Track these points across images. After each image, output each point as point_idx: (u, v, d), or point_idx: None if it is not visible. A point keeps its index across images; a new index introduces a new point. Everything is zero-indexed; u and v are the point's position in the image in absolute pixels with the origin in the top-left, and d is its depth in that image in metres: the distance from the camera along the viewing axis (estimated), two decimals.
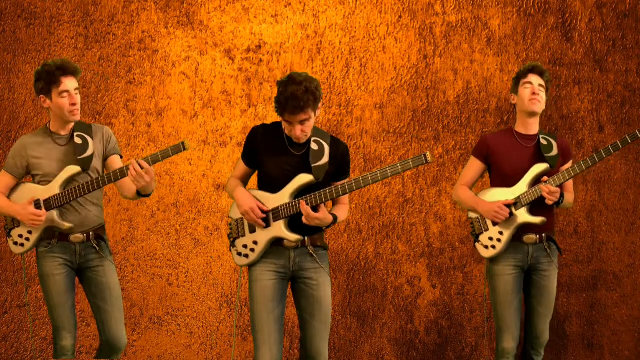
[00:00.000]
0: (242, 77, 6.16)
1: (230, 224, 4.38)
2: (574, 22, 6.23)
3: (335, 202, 4.44)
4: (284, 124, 4.26)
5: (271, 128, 4.36)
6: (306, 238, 4.32)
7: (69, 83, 4.49)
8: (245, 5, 6.17)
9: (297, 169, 4.28)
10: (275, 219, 4.27)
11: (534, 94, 4.72)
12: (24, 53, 6.07)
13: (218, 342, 6.13)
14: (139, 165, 4.29)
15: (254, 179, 4.54)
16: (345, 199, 4.44)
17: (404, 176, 6.20)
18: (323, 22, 6.19)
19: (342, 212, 4.41)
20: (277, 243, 4.31)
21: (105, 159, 4.64)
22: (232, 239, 4.38)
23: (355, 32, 6.21)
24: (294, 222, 4.29)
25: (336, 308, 6.17)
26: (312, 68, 6.18)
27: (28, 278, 6.06)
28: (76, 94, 4.52)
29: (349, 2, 6.20)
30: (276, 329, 4.26)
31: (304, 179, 4.27)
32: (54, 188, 4.52)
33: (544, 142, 4.76)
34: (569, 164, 4.84)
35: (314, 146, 4.30)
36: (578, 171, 4.67)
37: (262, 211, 4.28)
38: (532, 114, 4.77)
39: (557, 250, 4.82)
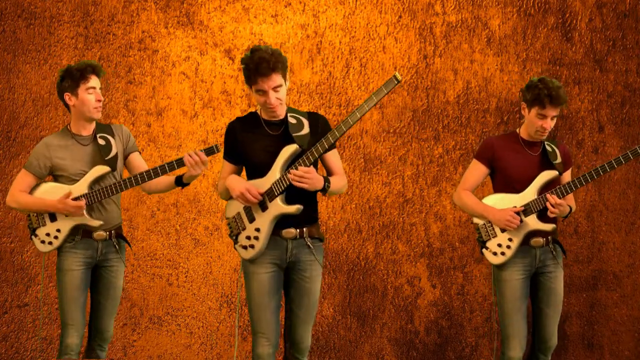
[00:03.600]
0: (242, 77, 6.16)
1: (229, 224, 4.37)
2: (574, 22, 6.23)
3: (330, 172, 4.39)
4: (257, 100, 4.23)
5: (246, 118, 4.36)
6: (304, 229, 4.31)
7: (96, 81, 4.64)
8: (245, 5, 6.17)
9: (279, 147, 4.25)
10: (272, 199, 4.25)
11: (544, 127, 4.62)
12: (24, 53, 6.07)
13: (218, 342, 6.13)
14: (197, 155, 4.48)
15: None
16: (339, 169, 4.39)
17: (404, 176, 6.20)
18: (323, 22, 6.19)
19: (337, 180, 4.34)
20: (274, 234, 4.29)
21: (125, 157, 4.78)
22: (234, 237, 4.36)
23: (355, 32, 6.21)
24: (290, 197, 4.25)
25: (336, 308, 6.17)
26: (312, 68, 6.18)
27: (28, 278, 6.07)
28: (100, 92, 4.66)
29: (349, 2, 6.20)
30: (274, 321, 4.30)
31: (289, 150, 4.24)
32: (81, 187, 4.62)
33: (549, 149, 4.69)
34: (569, 172, 4.80)
35: (291, 120, 4.29)
36: (584, 183, 4.62)
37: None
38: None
39: (562, 251, 4.79)
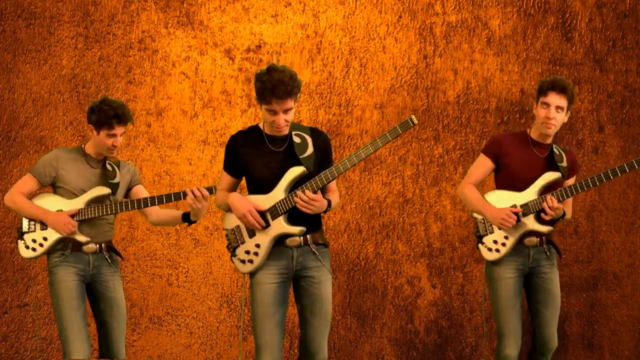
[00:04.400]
0: (242, 77, 6.16)
1: (227, 235, 4.35)
2: (574, 22, 6.23)
3: (324, 190, 4.41)
4: (265, 116, 4.23)
5: (249, 132, 4.35)
6: (308, 236, 4.30)
7: (120, 130, 4.67)
8: (245, 5, 6.17)
9: (283, 165, 4.26)
10: (274, 217, 4.25)
11: (548, 117, 4.59)
12: (24, 53, 6.07)
13: (218, 342, 6.13)
14: (199, 191, 4.50)
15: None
16: (333, 185, 4.43)
17: (404, 176, 6.20)
18: (323, 22, 6.19)
19: (334, 197, 4.38)
20: (278, 243, 4.28)
21: (129, 189, 4.84)
22: (231, 249, 4.34)
23: (355, 32, 6.21)
24: (293, 217, 4.27)
25: (336, 308, 6.17)
26: (312, 68, 6.18)
27: (28, 278, 6.06)
28: (121, 137, 4.71)
29: (349, 2, 6.20)
30: (277, 333, 4.25)
31: (295, 171, 4.25)
32: (78, 203, 4.65)
33: (556, 152, 4.67)
34: (572, 179, 4.76)
35: (296, 139, 4.29)
36: (585, 188, 4.59)
37: (259, 212, 4.26)
38: (544, 134, 4.68)
39: (557, 252, 4.79)
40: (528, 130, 4.75)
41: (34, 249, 4.65)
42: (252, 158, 4.29)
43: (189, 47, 6.14)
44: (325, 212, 4.31)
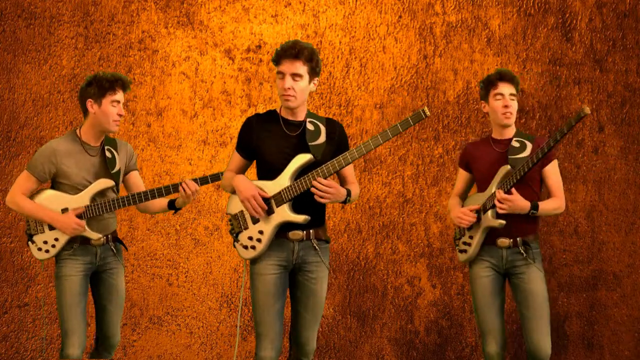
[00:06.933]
0: (242, 77, 6.17)
1: (230, 220, 4.35)
2: (574, 22, 6.23)
3: (343, 182, 4.40)
4: (277, 84, 4.24)
5: (265, 116, 4.34)
6: (311, 231, 4.30)
7: (121, 96, 4.63)
8: (245, 5, 6.17)
9: (295, 151, 4.25)
10: (279, 205, 4.24)
11: (505, 106, 4.59)
12: (24, 53, 6.07)
13: (218, 342, 6.13)
14: (189, 184, 4.59)
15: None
16: (352, 177, 4.41)
17: (404, 176, 6.20)
18: (323, 22, 6.19)
19: (354, 188, 4.37)
20: (281, 235, 4.28)
21: (125, 174, 4.80)
22: (234, 234, 4.34)
23: (355, 32, 6.21)
24: (298, 206, 4.26)
25: (336, 308, 6.17)
26: None
27: (28, 278, 6.07)
28: (123, 107, 4.68)
29: (349, 2, 6.20)
30: (277, 323, 4.29)
31: (302, 159, 4.24)
32: (83, 199, 4.61)
33: (515, 144, 4.63)
34: (551, 165, 4.67)
35: (309, 126, 4.29)
36: (522, 173, 4.51)
37: (264, 199, 4.24)
38: (504, 126, 4.66)
39: (532, 252, 4.62)
40: (491, 133, 4.76)
41: (47, 251, 4.63)
42: (266, 140, 4.28)
43: (189, 47, 6.14)
44: (345, 202, 4.29)
